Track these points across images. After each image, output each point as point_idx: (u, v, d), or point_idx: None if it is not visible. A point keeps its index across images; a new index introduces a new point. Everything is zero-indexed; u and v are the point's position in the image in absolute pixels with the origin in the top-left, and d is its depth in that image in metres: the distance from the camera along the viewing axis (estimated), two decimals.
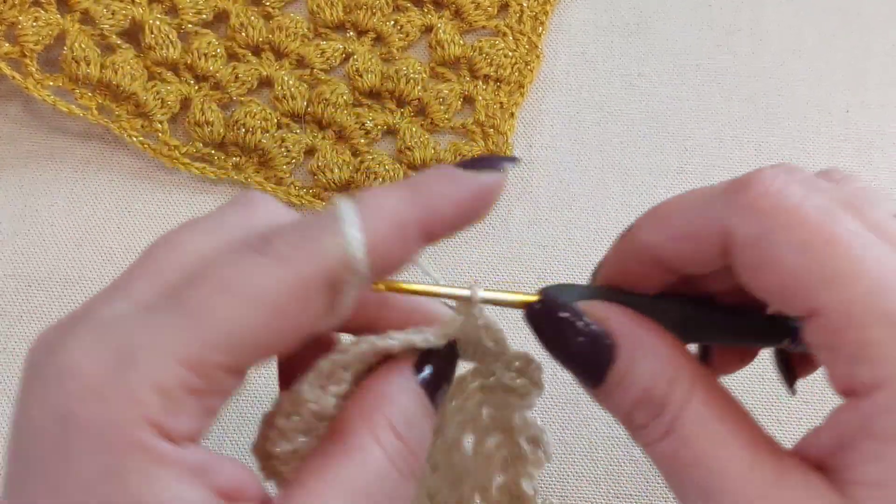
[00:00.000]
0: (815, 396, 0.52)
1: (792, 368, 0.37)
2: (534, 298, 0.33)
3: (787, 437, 0.31)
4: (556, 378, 0.54)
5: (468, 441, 0.38)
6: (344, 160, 0.59)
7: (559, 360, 0.33)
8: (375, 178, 0.58)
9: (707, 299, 0.35)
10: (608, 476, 0.50)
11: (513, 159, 0.32)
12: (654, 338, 0.32)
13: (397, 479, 0.30)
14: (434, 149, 0.59)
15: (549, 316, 0.33)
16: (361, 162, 0.59)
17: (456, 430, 0.38)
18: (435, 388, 0.33)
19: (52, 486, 0.27)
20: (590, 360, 0.32)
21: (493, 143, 0.60)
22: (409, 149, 0.59)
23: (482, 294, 0.33)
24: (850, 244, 0.28)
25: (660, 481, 0.50)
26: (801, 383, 0.37)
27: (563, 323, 0.33)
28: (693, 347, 0.36)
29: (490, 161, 0.31)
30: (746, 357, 0.38)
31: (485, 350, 0.35)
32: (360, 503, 0.29)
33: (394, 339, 0.32)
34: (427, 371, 0.33)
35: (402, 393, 0.32)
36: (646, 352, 0.32)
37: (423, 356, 0.33)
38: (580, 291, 0.34)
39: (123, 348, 0.27)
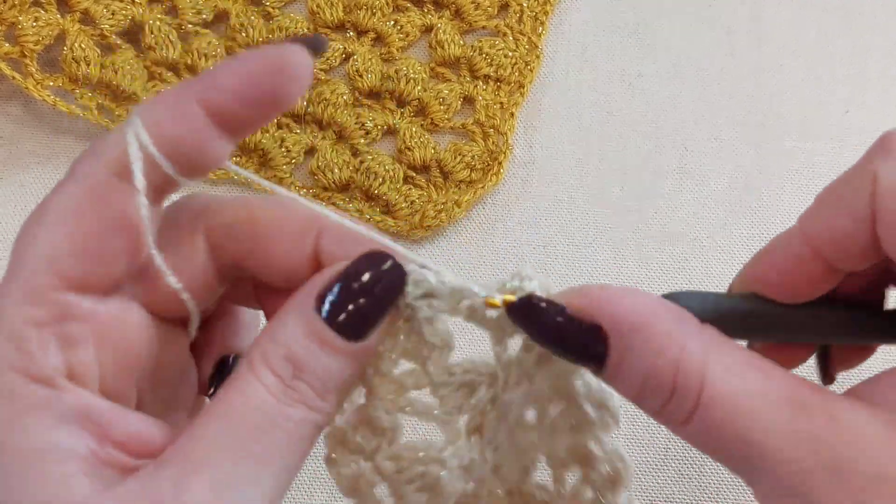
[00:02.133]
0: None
1: (830, 359, 0.36)
2: (511, 298, 0.32)
3: None
4: None
5: (530, 413, 0.37)
6: (344, 160, 0.59)
7: (554, 351, 0.32)
8: (375, 178, 0.58)
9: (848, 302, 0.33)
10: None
11: (320, 40, 0.31)
12: (649, 319, 0.30)
13: (277, 406, 0.30)
14: (434, 149, 0.59)
15: (530, 313, 0.32)
16: (361, 162, 0.59)
17: (518, 408, 0.36)
18: (341, 310, 0.31)
19: None
20: (584, 351, 0.31)
21: (493, 143, 0.60)
22: (409, 149, 0.59)
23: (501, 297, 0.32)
24: None
25: (659, 481, 0.50)
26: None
27: (544, 317, 0.31)
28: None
29: (291, 39, 0.31)
30: (866, 352, 0.37)
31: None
32: (237, 435, 0.29)
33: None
34: (338, 295, 0.31)
35: (287, 326, 0.31)
36: (640, 335, 0.30)
37: (331, 281, 0.31)
38: (714, 299, 0.32)
39: None
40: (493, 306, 0.32)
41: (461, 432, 0.35)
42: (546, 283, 0.32)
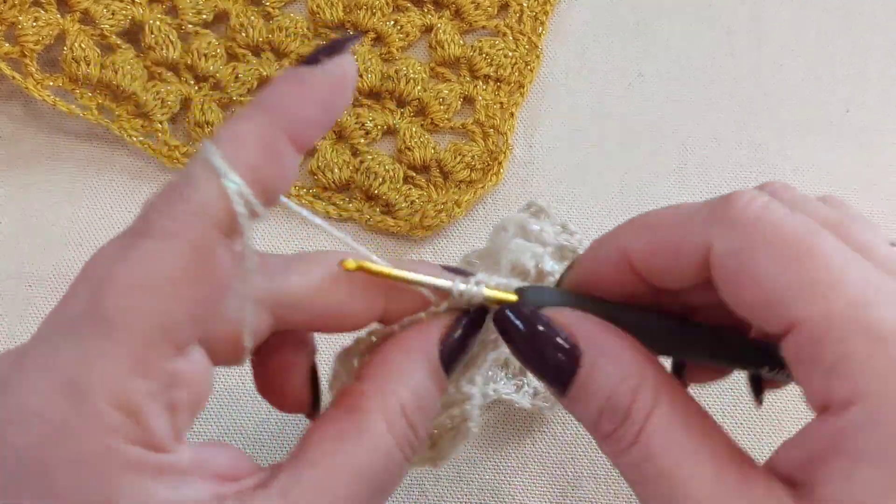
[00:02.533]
0: (792, 408, 0.52)
1: (760, 380, 0.37)
2: (511, 298, 0.34)
3: (763, 449, 0.31)
4: None
5: None
6: (344, 160, 0.59)
7: (526, 365, 0.34)
8: (375, 178, 0.58)
9: (685, 315, 0.35)
10: (609, 475, 0.50)
11: (355, 37, 0.32)
12: (618, 345, 0.32)
13: (401, 462, 0.31)
14: (434, 149, 0.59)
15: (511, 321, 0.33)
16: (361, 162, 0.59)
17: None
18: (454, 358, 0.34)
19: None
20: (556, 367, 0.32)
21: (493, 143, 0.60)
22: (409, 149, 0.59)
23: (460, 287, 0.34)
24: (831, 257, 0.28)
25: None
26: (777, 397, 0.37)
27: (525, 328, 0.33)
28: (667, 360, 0.36)
29: (332, 47, 0.30)
30: (721, 372, 0.38)
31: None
32: (364, 486, 0.30)
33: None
34: (453, 338, 0.34)
35: (418, 370, 0.33)
36: (609, 358, 0.31)
37: (451, 326, 0.34)
38: (555, 295, 0.34)
39: (71, 382, 0.27)
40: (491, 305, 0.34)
41: (464, 389, 0.37)
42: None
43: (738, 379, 0.39)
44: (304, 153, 0.30)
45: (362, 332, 0.35)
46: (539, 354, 0.32)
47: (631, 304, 0.34)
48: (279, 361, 0.35)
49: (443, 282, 0.33)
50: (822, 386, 0.28)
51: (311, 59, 0.30)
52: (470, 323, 0.34)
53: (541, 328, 0.32)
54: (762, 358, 0.34)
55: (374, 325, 0.35)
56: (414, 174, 0.59)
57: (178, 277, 0.27)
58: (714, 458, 0.30)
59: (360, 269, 0.32)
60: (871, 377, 0.27)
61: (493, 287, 0.34)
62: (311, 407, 0.36)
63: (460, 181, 0.59)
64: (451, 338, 0.34)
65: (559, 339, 0.32)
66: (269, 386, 0.36)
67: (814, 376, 0.28)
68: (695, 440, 0.30)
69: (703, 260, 0.30)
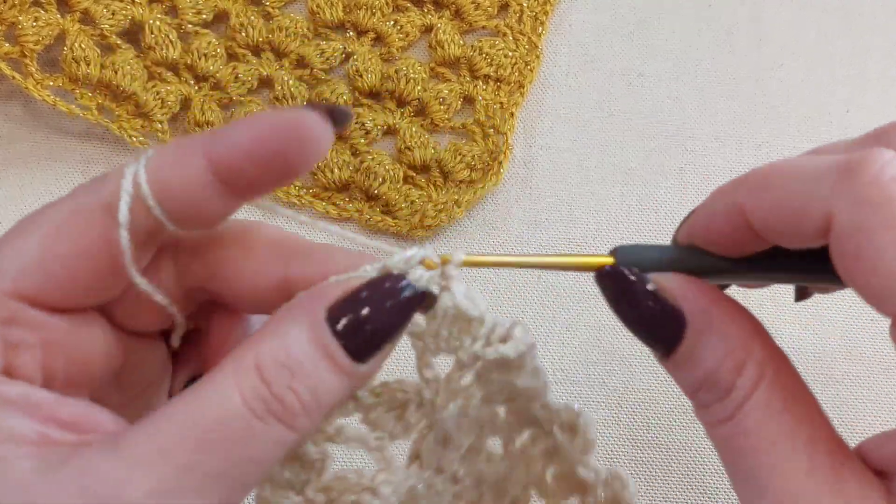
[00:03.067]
0: (885, 398, 0.53)
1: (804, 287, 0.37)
2: (609, 260, 0.32)
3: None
4: (555, 380, 0.54)
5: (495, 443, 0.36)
6: (344, 160, 0.59)
7: (629, 327, 0.32)
8: (375, 178, 0.58)
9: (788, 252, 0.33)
10: None
11: (344, 113, 0.30)
12: (728, 317, 0.31)
13: (247, 418, 0.28)
14: (434, 149, 0.59)
15: (619, 283, 0.32)
16: (361, 162, 0.59)
17: (467, 435, 0.35)
18: (356, 331, 0.29)
19: None
20: (659, 332, 0.31)
21: (493, 143, 0.60)
22: (409, 149, 0.59)
23: (549, 260, 0.32)
24: None
25: (659, 481, 0.50)
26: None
27: (633, 292, 0.31)
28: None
29: (312, 105, 0.31)
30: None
31: (458, 330, 0.32)
32: (198, 441, 0.27)
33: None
34: (356, 312, 0.29)
35: (291, 332, 0.29)
36: (717, 332, 0.31)
37: (350, 294, 0.30)
38: (656, 253, 0.33)
39: None
40: (430, 267, 0.31)
41: (392, 459, 0.33)
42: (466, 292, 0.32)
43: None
44: (236, 184, 0.29)
45: None
46: (643, 320, 0.31)
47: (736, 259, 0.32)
48: (218, 335, 0.35)
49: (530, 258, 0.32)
50: None
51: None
52: (384, 287, 0.30)
53: (645, 294, 0.31)
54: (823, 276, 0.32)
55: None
56: (414, 174, 0.59)
57: (45, 230, 0.30)
58: (809, 448, 0.29)
59: (469, 263, 0.31)
60: None
61: (582, 256, 0.33)
62: None
63: (460, 181, 0.59)
64: (354, 299, 0.30)
65: (664, 307, 0.31)
66: (212, 363, 0.34)
67: None
68: (791, 426, 0.29)
69: (826, 226, 0.28)
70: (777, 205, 0.30)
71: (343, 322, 0.29)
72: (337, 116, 0.29)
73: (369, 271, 0.31)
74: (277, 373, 0.28)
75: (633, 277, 0.32)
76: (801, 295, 0.37)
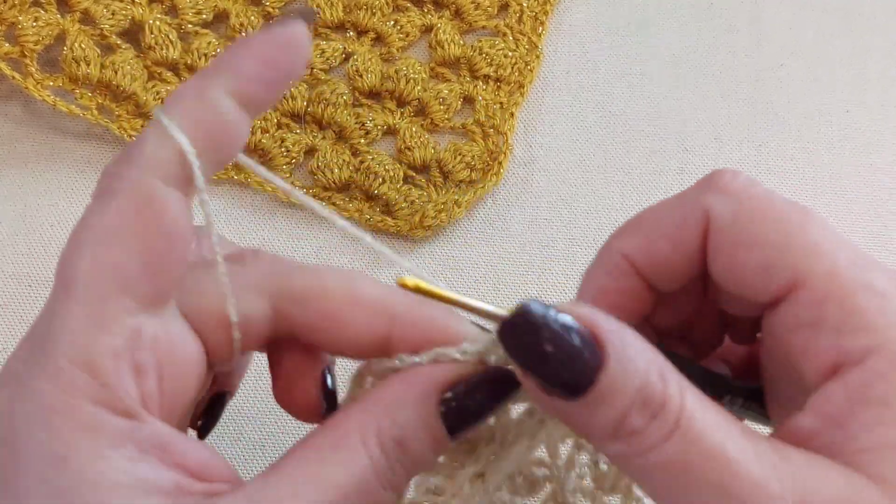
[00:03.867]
0: None
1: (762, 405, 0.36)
2: (504, 313, 0.29)
3: None
4: None
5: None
6: (344, 160, 0.59)
7: (537, 374, 0.28)
8: (375, 178, 0.58)
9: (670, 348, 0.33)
10: None
11: (308, 13, 0.32)
12: (632, 331, 0.28)
13: (376, 488, 0.30)
14: (434, 149, 0.59)
15: (525, 322, 0.28)
16: (361, 162, 0.59)
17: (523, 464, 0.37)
18: (455, 410, 0.31)
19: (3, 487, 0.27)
20: (575, 365, 0.27)
21: (493, 143, 0.60)
22: (409, 149, 0.59)
23: (451, 295, 0.31)
24: (824, 222, 0.29)
25: None
26: None
27: (540, 328, 0.28)
28: None
29: (283, 18, 0.31)
30: None
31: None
32: (332, 500, 0.29)
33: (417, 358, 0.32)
34: (455, 393, 0.31)
35: (408, 405, 0.31)
36: (637, 348, 0.28)
37: (457, 381, 0.32)
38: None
39: (35, 340, 0.28)
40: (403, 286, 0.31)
41: (462, 485, 0.34)
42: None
43: None
44: (252, 111, 0.30)
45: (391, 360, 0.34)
46: (556, 357, 0.28)
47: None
48: (292, 364, 0.35)
49: (495, 309, 0.31)
50: (832, 343, 0.28)
51: (262, 29, 0.31)
52: (487, 379, 0.31)
53: (558, 326, 0.28)
54: (722, 388, 0.34)
55: (404, 356, 0.33)
56: (414, 174, 0.59)
57: (124, 228, 0.28)
58: (744, 433, 0.28)
59: (418, 288, 0.31)
60: (886, 328, 0.27)
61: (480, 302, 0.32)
62: (325, 415, 0.34)
63: (460, 181, 0.59)
64: (460, 387, 0.31)
65: (579, 334, 0.27)
66: (284, 392, 0.35)
67: (821, 335, 0.28)
68: (724, 416, 0.28)
69: (703, 238, 0.31)
70: (655, 232, 0.32)
71: (452, 407, 0.31)
72: (308, 17, 0.31)
73: (469, 350, 0.32)
74: (397, 451, 0.30)
75: (549, 315, 0.28)
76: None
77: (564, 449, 0.36)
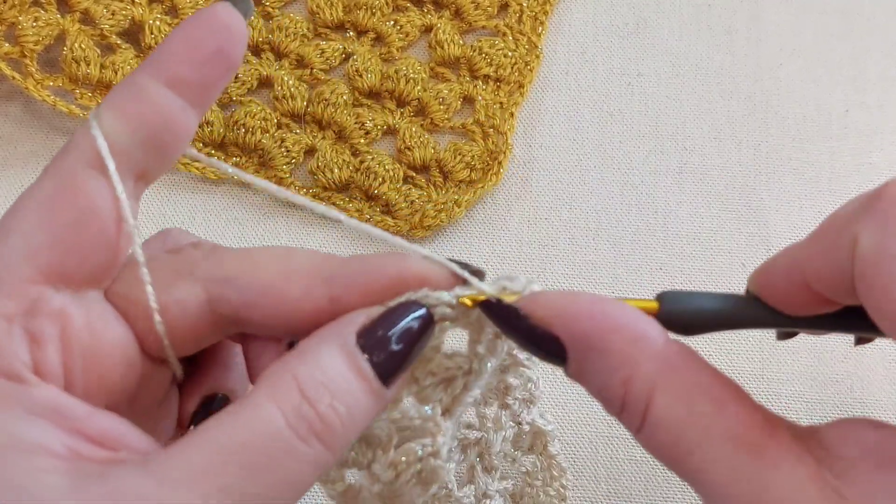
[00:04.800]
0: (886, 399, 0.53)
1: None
2: (652, 305, 0.32)
3: None
4: (556, 379, 0.54)
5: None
6: (344, 160, 0.59)
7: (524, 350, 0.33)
8: (375, 178, 0.58)
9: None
10: (609, 475, 0.50)
11: (244, 4, 0.32)
12: (607, 335, 0.30)
13: (291, 440, 0.28)
14: (434, 149, 0.59)
15: (496, 312, 0.32)
16: (361, 162, 0.59)
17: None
18: (389, 355, 0.30)
19: None
20: (546, 351, 0.31)
21: (493, 143, 0.60)
22: (409, 149, 0.59)
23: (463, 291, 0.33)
24: None
25: (659, 480, 0.50)
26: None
27: (509, 320, 0.32)
28: None
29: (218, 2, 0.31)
30: None
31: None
32: (238, 461, 0.27)
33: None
34: (381, 336, 0.31)
35: (326, 354, 0.30)
36: (595, 352, 0.30)
37: (375, 321, 0.31)
38: (710, 301, 0.32)
39: None
40: (464, 305, 0.33)
41: (441, 423, 0.35)
42: (525, 283, 0.33)
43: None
44: (190, 94, 0.30)
45: None
46: (527, 343, 0.32)
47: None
48: (197, 372, 0.35)
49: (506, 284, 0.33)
50: None
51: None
52: (405, 314, 0.31)
53: (520, 322, 0.31)
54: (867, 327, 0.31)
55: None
56: (414, 174, 0.59)
57: (40, 204, 0.30)
58: (727, 437, 0.28)
59: (476, 302, 0.33)
60: None
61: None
62: (187, 426, 0.35)
63: (460, 181, 0.59)
64: (378, 325, 0.31)
65: (539, 333, 0.31)
66: (254, 375, 0.35)
67: None
68: (704, 421, 0.28)
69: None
70: (821, 246, 0.29)
71: (371, 345, 0.30)
72: (242, 8, 0.31)
73: (411, 298, 0.32)
74: (318, 392, 0.29)
75: (505, 310, 0.32)
76: (785, 335, 0.36)
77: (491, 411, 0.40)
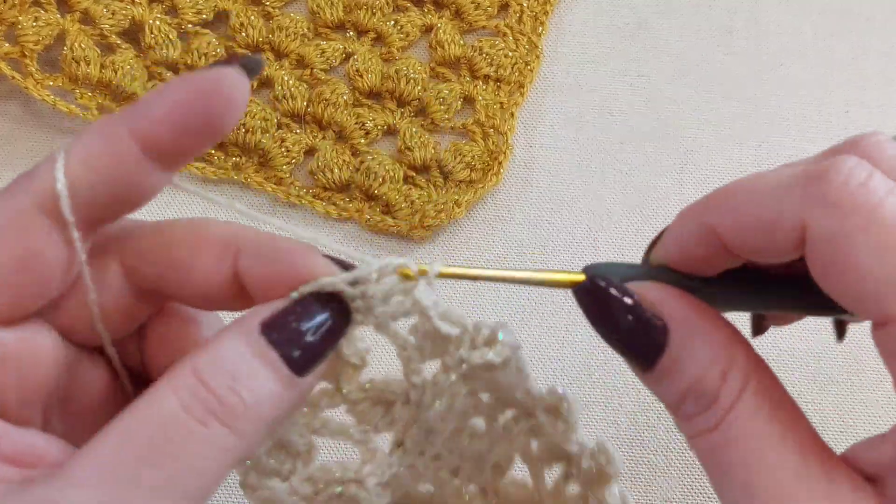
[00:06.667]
0: (875, 402, 0.53)
1: (843, 322, 0.36)
2: (579, 278, 0.32)
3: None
4: (558, 380, 0.54)
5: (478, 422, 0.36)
6: (344, 160, 0.59)
7: (609, 342, 0.32)
8: (375, 178, 0.58)
9: (760, 272, 0.33)
10: None
11: (254, 61, 0.30)
12: (710, 325, 0.31)
13: (188, 423, 0.27)
14: (434, 149, 0.59)
15: (598, 296, 0.31)
16: (361, 162, 0.59)
17: (451, 423, 0.35)
18: (299, 345, 0.30)
19: None
20: (640, 344, 0.31)
21: (493, 143, 0.60)
22: (409, 149, 0.59)
23: (523, 275, 0.32)
24: None
25: (667, 484, 0.50)
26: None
27: (613, 303, 0.31)
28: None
29: (225, 60, 0.29)
30: (800, 316, 0.37)
31: (441, 337, 0.33)
32: (132, 453, 0.27)
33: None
34: (290, 326, 0.30)
35: (226, 342, 0.29)
36: (700, 339, 0.30)
37: (283, 311, 0.30)
38: (627, 271, 0.33)
39: None
40: (407, 277, 0.32)
41: (376, 450, 0.34)
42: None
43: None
44: (160, 154, 0.29)
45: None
46: (624, 334, 0.31)
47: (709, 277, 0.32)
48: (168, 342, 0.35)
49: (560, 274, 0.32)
50: None
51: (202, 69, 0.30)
52: (319, 307, 0.31)
53: (627, 303, 0.31)
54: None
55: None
56: (414, 174, 0.59)
57: None
58: (799, 449, 0.29)
59: (573, 287, 0.32)
60: None
61: (554, 272, 0.32)
62: None
63: (460, 181, 0.59)
64: (286, 316, 0.30)
65: (646, 319, 0.30)
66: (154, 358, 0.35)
67: None
68: (780, 430, 0.29)
69: (799, 237, 0.29)
70: (748, 220, 0.30)
71: (276, 336, 0.30)
72: (251, 67, 0.30)
73: (320, 284, 0.31)
74: (215, 373, 0.28)
75: (613, 291, 0.31)
76: (758, 329, 0.37)
77: (549, 475, 0.36)
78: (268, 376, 0.29)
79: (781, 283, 0.33)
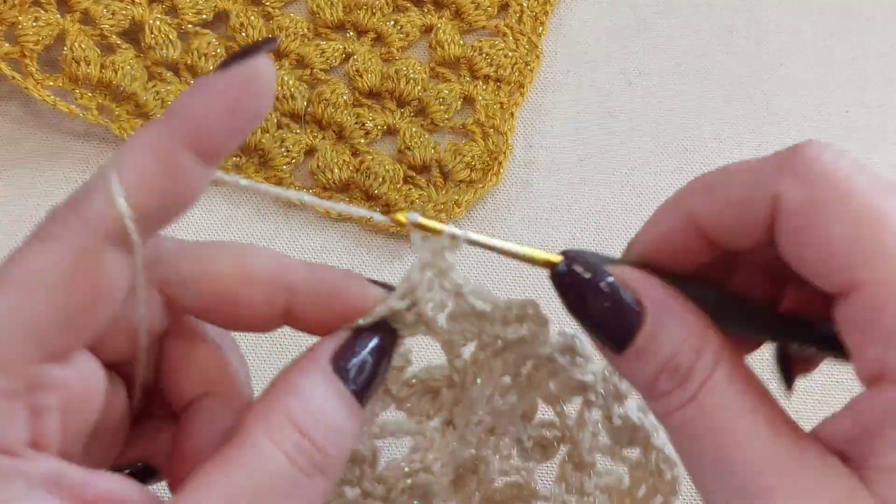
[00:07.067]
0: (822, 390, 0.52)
1: (791, 368, 0.37)
2: (557, 259, 0.33)
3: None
4: None
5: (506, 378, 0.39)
6: (344, 160, 0.59)
7: (583, 323, 0.33)
8: (375, 178, 0.58)
9: (730, 291, 0.35)
10: None
11: (270, 41, 0.30)
12: (682, 305, 0.32)
13: (297, 477, 0.29)
14: (434, 149, 0.59)
15: (574, 277, 0.32)
16: (361, 162, 0.59)
17: (488, 389, 0.37)
18: (362, 377, 0.31)
19: None
20: (616, 323, 0.32)
21: (492, 143, 0.60)
22: (409, 149, 0.59)
23: (507, 246, 0.33)
24: None
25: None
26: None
27: (588, 284, 0.32)
28: None
29: (244, 51, 0.29)
30: (752, 346, 0.37)
31: (476, 315, 0.35)
32: (248, 499, 0.28)
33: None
34: (353, 360, 0.31)
35: (311, 385, 0.30)
36: (674, 318, 0.31)
37: (345, 345, 0.32)
38: (605, 260, 0.34)
39: None
40: (399, 223, 0.34)
41: (434, 434, 0.37)
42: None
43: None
44: (214, 161, 0.29)
45: None
46: (599, 311, 0.32)
47: (676, 274, 0.33)
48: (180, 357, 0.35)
49: (541, 253, 0.33)
50: (878, 354, 0.28)
51: (221, 66, 0.29)
52: (371, 335, 0.33)
53: (599, 282, 0.32)
54: (796, 332, 0.34)
55: None
56: (414, 174, 0.59)
57: (54, 281, 0.27)
58: (770, 421, 0.29)
59: (419, 226, 0.34)
60: None
61: (535, 249, 0.34)
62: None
63: (460, 181, 0.59)
64: (349, 350, 0.32)
65: (621, 299, 0.31)
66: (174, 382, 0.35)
67: (869, 343, 0.28)
68: (752, 401, 0.30)
69: (772, 213, 0.30)
70: (723, 196, 0.31)
71: (347, 371, 0.31)
72: (271, 49, 0.30)
73: (372, 315, 0.33)
74: (315, 425, 0.30)
75: (588, 275, 0.32)
76: (788, 382, 0.37)
77: (572, 408, 0.38)
78: (347, 415, 0.31)
79: (749, 308, 0.34)
